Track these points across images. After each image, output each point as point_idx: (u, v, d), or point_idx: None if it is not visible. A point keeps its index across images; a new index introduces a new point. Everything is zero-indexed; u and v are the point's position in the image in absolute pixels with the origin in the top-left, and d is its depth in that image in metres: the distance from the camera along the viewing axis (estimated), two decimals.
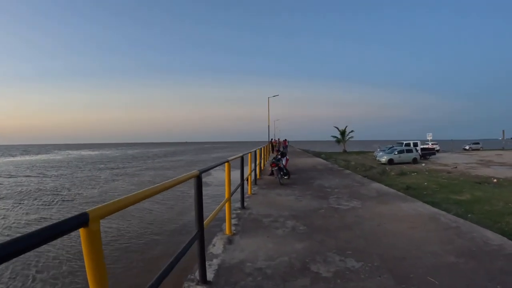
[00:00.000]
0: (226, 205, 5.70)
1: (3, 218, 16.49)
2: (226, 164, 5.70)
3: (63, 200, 20.97)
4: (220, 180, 26.78)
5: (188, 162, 55.53)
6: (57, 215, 17.07)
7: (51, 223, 1.37)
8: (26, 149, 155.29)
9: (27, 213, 17.49)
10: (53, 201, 20.80)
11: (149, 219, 15.53)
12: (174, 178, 2.82)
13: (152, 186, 2.36)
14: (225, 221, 5.93)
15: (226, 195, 5.73)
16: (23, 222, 15.71)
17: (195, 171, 3.52)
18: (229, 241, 5.42)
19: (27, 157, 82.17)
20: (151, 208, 17.81)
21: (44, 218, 16.40)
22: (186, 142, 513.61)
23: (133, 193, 2.11)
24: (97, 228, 1.68)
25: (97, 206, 1.72)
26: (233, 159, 6.29)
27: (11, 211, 18.10)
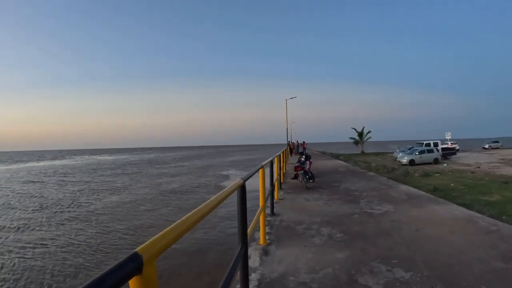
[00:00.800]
0: (261, 213, 5.50)
1: (17, 229, 16.44)
2: (260, 170, 5.50)
3: (78, 206, 21.16)
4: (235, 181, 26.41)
5: (205, 166, 55.81)
6: (69, 225, 17.11)
7: (84, 284, 0.93)
8: (41, 155, 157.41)
9: (40, 225, 17.57)
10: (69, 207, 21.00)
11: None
12: (219, 193, 2.52)
13: (200, 207, 2.01)
14: (257, 230, 5.72)
15: (261, 203, 5.54)
16: (38, 236, 15.75)
17: (238, 181, 3.16)
18: (265, 252, 5.21)
19: (46, 163, 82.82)
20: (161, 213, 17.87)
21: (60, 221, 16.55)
22: (202, 146, 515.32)
23: (184, 218, 1.72)
24: (153, 274, 1.23)
25: (147, 242, 1.28)
26: (265, 163, 6.14)
27: (26, 220, 18.18)
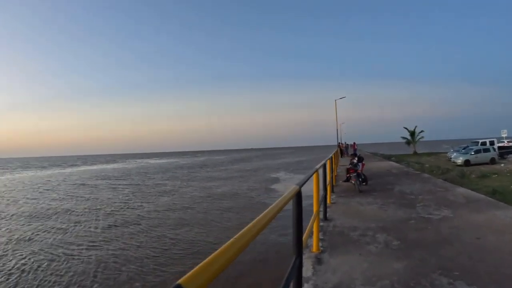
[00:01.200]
0: (315, 220, 5.44)
1: (68, 233, 16.94)
2: (314, 175, 5.44)
3: (130, 208, 21.71)
4: (285, 184, 25.97)
5: (254, 169, 56.03)
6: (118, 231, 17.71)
7: None
8: (95, 160, 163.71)
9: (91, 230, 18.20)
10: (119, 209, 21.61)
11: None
12: (274, 204, 2.24)
13: (254, 221, 1.75)
14: (309, 236, 5.59)
15: (314, 209, 5.50)
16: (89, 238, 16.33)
17: (294, 187, 2.87)
18: (318, 260, 5.06)
19: (99, 166, 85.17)
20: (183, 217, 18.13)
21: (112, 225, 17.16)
22: (252, 149, 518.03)
23: (234, 238, 1.46)
24: None
25: (192, 272, 1.08)
26: (319, 166, 6.14)
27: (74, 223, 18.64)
